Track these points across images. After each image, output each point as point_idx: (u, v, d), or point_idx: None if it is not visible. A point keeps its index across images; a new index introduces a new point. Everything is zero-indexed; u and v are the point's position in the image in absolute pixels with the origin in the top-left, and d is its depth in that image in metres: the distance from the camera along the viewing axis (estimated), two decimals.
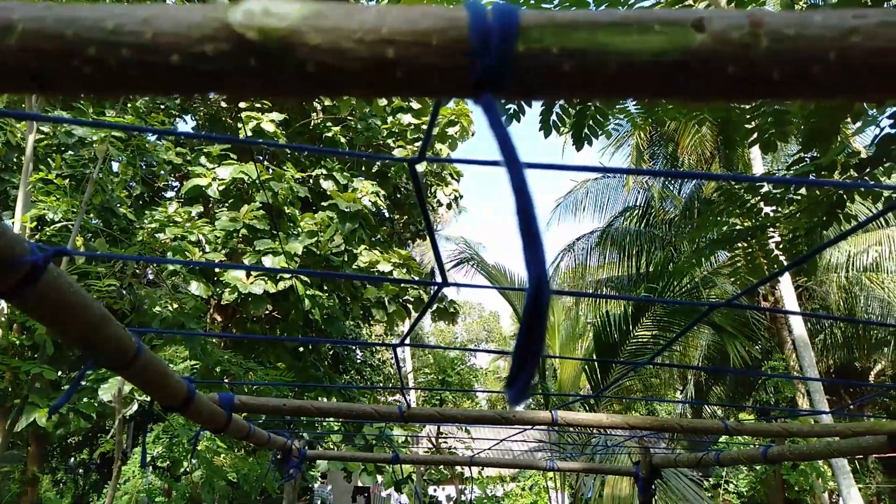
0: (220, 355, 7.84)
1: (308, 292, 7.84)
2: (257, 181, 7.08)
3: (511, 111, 3.55)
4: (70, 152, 6.73)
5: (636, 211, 14.08)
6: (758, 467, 12.78)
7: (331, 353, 13.18)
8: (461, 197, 10.11)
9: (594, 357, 10.05)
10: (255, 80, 0.36)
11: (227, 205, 7.54)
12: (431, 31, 0.35)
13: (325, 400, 9.62)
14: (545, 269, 0.33)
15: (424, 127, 8.76)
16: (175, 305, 7.31)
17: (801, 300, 12.61)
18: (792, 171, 3.58)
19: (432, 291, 10.82)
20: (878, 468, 15.09)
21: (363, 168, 8.98)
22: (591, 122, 3.50)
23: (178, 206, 7.55)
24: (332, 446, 9.52)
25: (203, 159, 7.45)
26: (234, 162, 7.43)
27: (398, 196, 11.76)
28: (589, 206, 15.61)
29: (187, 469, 8.09)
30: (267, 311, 8.08)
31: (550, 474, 11.43)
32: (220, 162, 7.44)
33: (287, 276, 7.20)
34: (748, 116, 3.66)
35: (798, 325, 10.28)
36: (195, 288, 7.55)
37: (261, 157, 9.07)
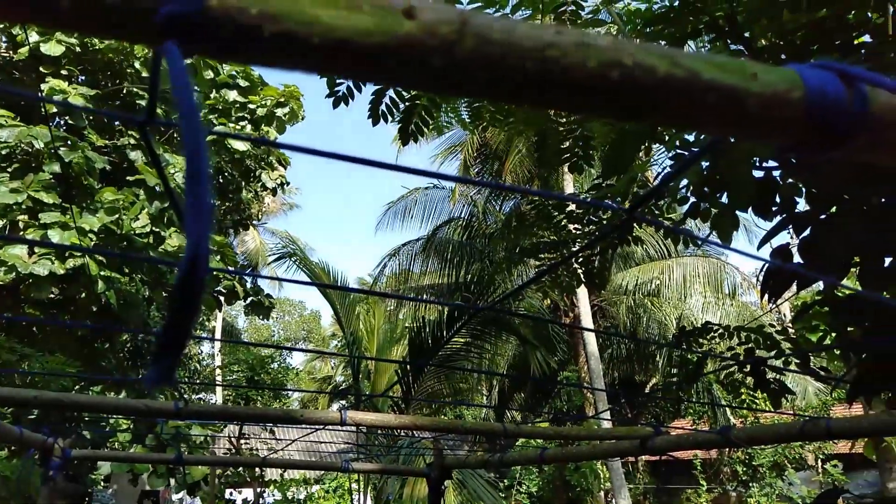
0: None
1: (104, 274, 7.11)
2: (49, 147, 6.27)
3: (341, 94, 3.48)
4: None
5: (460, 222, 14.64)
6: (546, 469, 13.82)
7: (128, 344, 12.07)
8: (287, 183, 9.76)
9: (408, 361, 10.24)
10: None
11: (9, 171, 6.58)
12: None
13: (114, 395, 8.79)
14: (207, 242, 0.30)
15: (252, 105, 8.34)
16: None
17: (597, 318, 13.91)
18: (591, 195, 3.93)
19: (247, 281, 10.34)
20: (646, 470, 17.05)
21: (178, 139, 8.35)
22: (418, 120, 3.52)
23: None
24: (119, 447, 8.69)
25: None
26: (20, 124, 6.50)
27: (220, 181, 11.12)
28: (417, 214, 15.97)
29: None
30: (52, 294, 7.18)
31: (355, 476, 11.43)
32: None
33: (78, 254, 6.46)
34: (561, 138, 3.96)
35: (591, 341, 11.32)
36: None
37: (60, 122, 8.08)
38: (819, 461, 14.31)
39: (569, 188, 10.54)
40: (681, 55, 0.42)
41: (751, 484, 14.79)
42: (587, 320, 11.70)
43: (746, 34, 3.05)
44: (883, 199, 2.77)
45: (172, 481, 10.14)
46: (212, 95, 8.29)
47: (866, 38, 3.04)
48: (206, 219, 0.31)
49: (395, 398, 9.91)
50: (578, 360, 13.02)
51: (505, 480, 15.07)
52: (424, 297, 14.60)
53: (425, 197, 15.85)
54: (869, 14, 3.01)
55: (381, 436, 9.23)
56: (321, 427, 2.28)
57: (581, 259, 4.36)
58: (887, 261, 2.83)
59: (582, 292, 11.86)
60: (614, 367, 14.07)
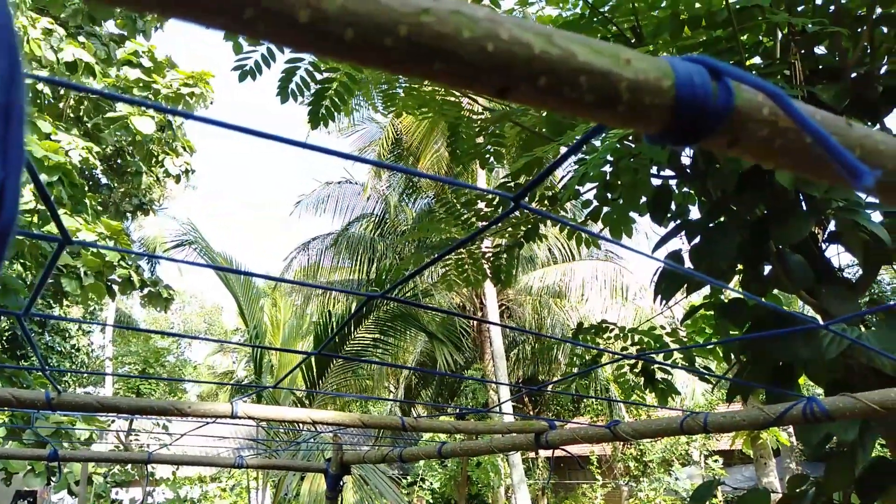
0: None
1: None
2: None
3: (248, 68, 3.34)
4: None
5: (372, 219, 14.55)
6: (449, 465, 13.97)
7: (8, 333, 11.21)
8: (193, 171, 9.31)
9: (311, 352, 10.05)
10: None
11: None
12: None
13: None
14: (17, 179, 0.27)
15: (156, 86, 7.88)
16: None
17: (504, 317, 14.20)
18: (500, 192, 3.99)
19: (146, 268, 9.82)
20: (545, 466, 17.59)
21: (72, 117, 7.80)
22: (329, 104, 3.42)
23: None
24: None
25: None
26: None
27: (119, 162, 10.50)
28: (330, 209, 15.75)
29: None
30: None
31: (253, 473, 11.11)
32: None
33: None
34: (474, 133, 4.01)
35: (497, 339, 11.54)
36: None
37: None
38: (703, 457, 15.26)
39: (481, 184, 10.72)
40: (558, 34, 0.41)
41: (641, 479, 15.57)
42: (494, 317, 11.91)
43: (651, 47, 3.19)
44: (766, 211, 2.98)
45: (53, 480, 9.48)
46: (112, 73, 7.77)
47: (757, 59, 3.26)
48: (16, 153, 0.28)
49: (298, 392, 9.71)
50: (484, 358, 13.24)
51: (408, 477, 15.12)
52: (334, 293, 14.39)
53: (338, 191, 15.65)
54: (760, 37, 3.23)
55: (283, 431, 9.02)
56: (212, 420, 2.18)
57: (490, 255, 4.44)
58: (767, 268, 3.05)
59: (490, 291, 12.07)
60: (519, 366, 14.41)
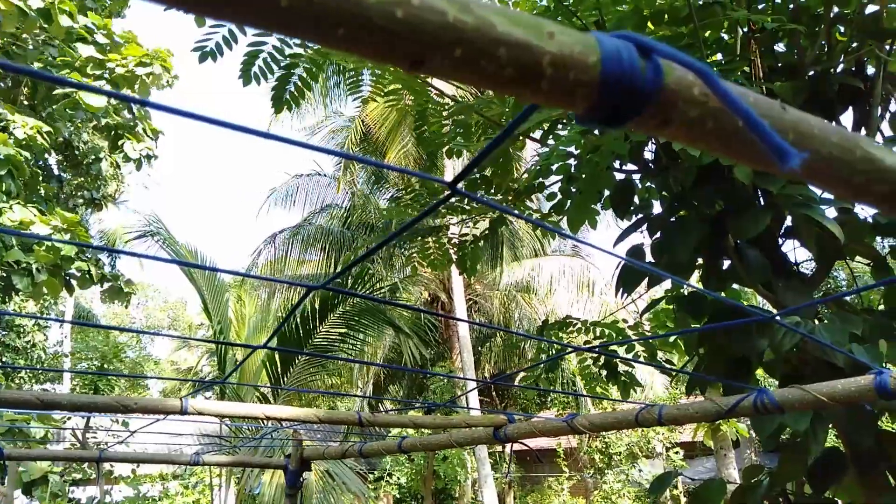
0: None
1: None
2: None
3: (208, 49, 3.23)
4: None
5: (341, 212, 14.44)
6: (415, 459, 13.96)
7: None
8: (156, 157, 8.98)
9: (276, 351, 9.91)
10: None
11: None
12: None
13: None
14: None
15: (110, 64, 7.56)
16: None
17: (471, 312, 14.23)
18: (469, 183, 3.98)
19: (106, 262, 9.58)
20: (513, 460, 17.71)
21: (26, 104, 7.51)
22: (293, 89, 3.31)
23: None
24: None
25: None
26: None
27: (76, 153, 10.20)
28: (300, 201, 15.59)
29: None
30: None
31: (217, 470, 10.95)
32: None
33: None
34: (442, 122, 3.99)
35: (464, 332, 11.56)
36: None
37: None
38: (665, 449, 15.53)
39: (448, 175, 10.76)
40: (475, 3, 0.39)
41: (606, 471, 15.77)
42: (461, 311, 11.93)
43: None
44: (725, 206, 3.01)
45: (7, 480, 9.20)
46: (64, 50, 7.44)
47: (719, 56, 3.30)
48: None
49: (263, 388, 9.58)
50: (452, 353, 13.25)
51: (375, 472, 15.07)
52: (300, 288, 14.23)
53: (308, 183, 15.50)
54: (722, 34, 3.26)
55: (246, 428, 8.89)
56: (163, 417, 2.12)
57: (455, 243, 4.43)
58: (726, 262, 3.09)
59: (457, 286, 12.07)
60: (487, 361, 14.46)
